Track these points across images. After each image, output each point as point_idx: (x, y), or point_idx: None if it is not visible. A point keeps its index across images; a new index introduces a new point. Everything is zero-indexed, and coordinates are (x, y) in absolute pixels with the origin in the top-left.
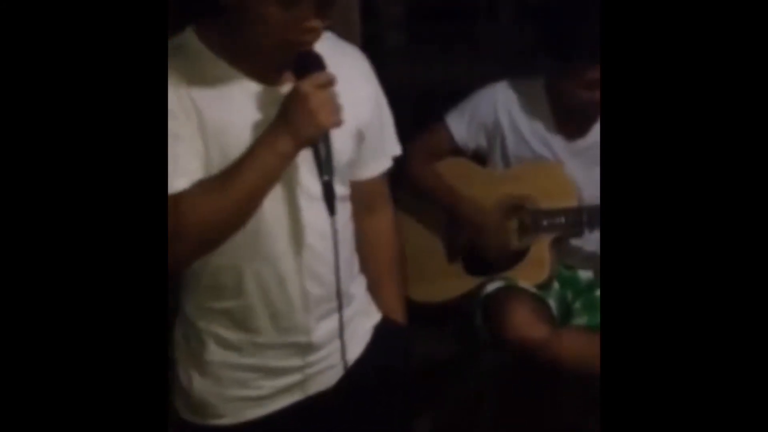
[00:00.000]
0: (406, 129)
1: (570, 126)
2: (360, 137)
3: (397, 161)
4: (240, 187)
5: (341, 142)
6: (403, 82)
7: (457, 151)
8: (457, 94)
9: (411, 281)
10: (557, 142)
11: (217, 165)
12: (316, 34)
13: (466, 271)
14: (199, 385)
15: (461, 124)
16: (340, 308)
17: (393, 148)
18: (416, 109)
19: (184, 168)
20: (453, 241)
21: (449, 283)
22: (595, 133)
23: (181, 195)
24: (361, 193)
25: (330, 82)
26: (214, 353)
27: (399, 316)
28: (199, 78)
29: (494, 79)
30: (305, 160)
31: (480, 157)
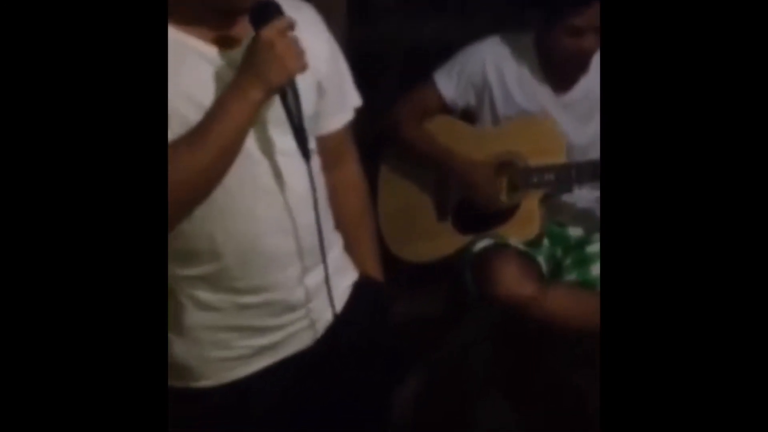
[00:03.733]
0: (395, 87)
1: (558, 78)
2: (320, 91)
3: (388, 121)
4: (215, 140)
5: (303, 96)
6: (392, 39)
7: (445, 109)
8: (447, 51)
9: (401, 240)
10: (546, 96)
11: (176, 128)
12: None
13: (456, 229)
14: (179, 348)
15: (450, 82)
16: (323, 256)
17: (353, 99)
18: (406, 67)
19: None
20: (443, 199)
21: (439, 242)
22: (582, 86)
23: None
24: (326, 147)
25: (291, 27)
26: (194, 315)
27: (377, 272)
28: None
29: (485, 34)
30: (271, 117)
31: (469, 115)
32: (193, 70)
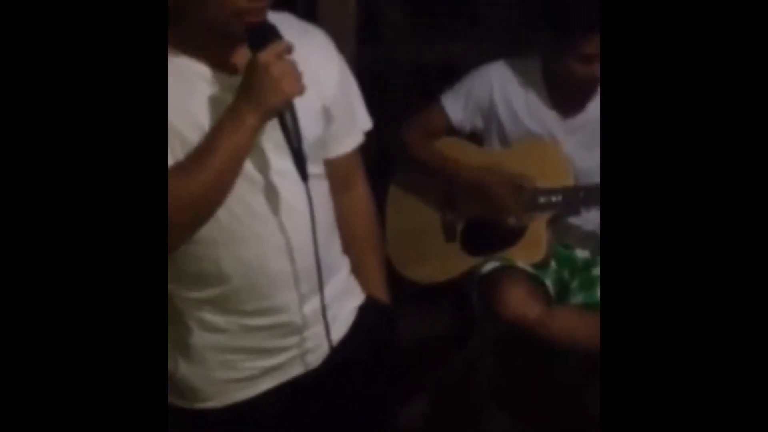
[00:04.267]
0: (403, 107)
1: (566, 103)
2: (327, 114)
3: (395, 142)
4: (212, 165)
5: (307, 120)
6: (401, 59)
7: (452, 131)
8: (456, 71)
9: (409, 261)
10: (553, 120)
11: (179, 152)
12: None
13: (464, 251)
14: (185, 369)
15: (457, 105)
16: (320, 281)
17: (363, 122)
18: (414, 86)
19: None
20: (451, 220)
21: (447, 263)
22: (590, 111)
23: None
24: (335, 170)
25: (288, 50)
26: (200, 337)
27: (383, 294)
28: None
29: (493, 57)
30: (272, 141)
31: (476, 137)
32: (196, 94)
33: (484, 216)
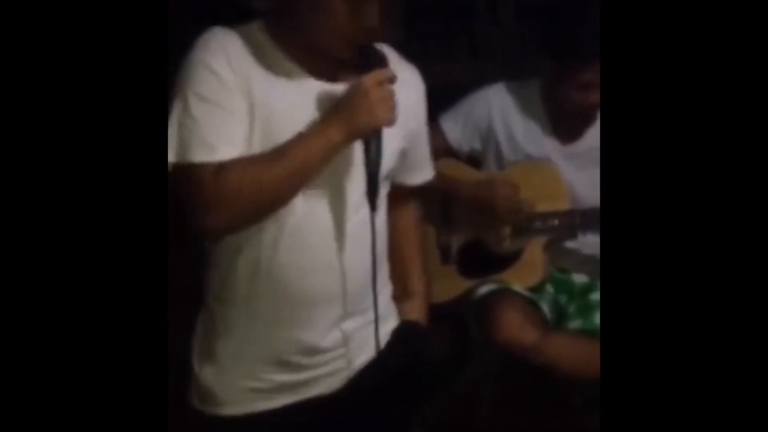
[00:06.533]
0: None
1: (565, 129)
2: (402, 152)
3: None
4: (286, 165)
5: (391, 147)
6: None
7: (450, 153)
8: (456, 93)
9: None
10: (551, 146)
11: (259, 147)
12: (376, 36)
13: (460, 273)
14: (206, 373)
15: (455, 127)
16: (375, 309)
17: (428, 172)
18: None
19: (232, 139)
20: (446, 242)
21: (442, 285)
22: (589, 138)
23: (228, 163)
24: (395, 193)
25: (391, 80)
26: (226, 342)
27: (422, 315)
28: (257, 64)
29: (492, 79)
30: (349, 161)
31: (474, 160)
32: (293, 97)
33: (480, 237)
